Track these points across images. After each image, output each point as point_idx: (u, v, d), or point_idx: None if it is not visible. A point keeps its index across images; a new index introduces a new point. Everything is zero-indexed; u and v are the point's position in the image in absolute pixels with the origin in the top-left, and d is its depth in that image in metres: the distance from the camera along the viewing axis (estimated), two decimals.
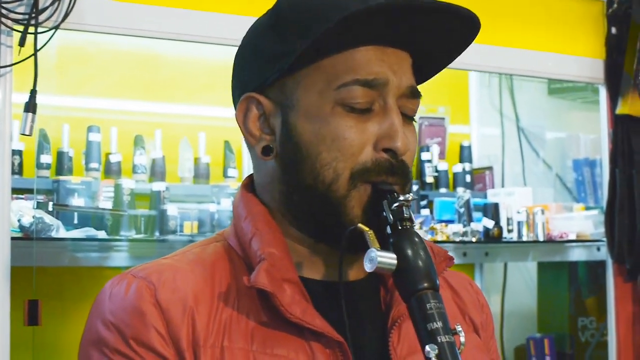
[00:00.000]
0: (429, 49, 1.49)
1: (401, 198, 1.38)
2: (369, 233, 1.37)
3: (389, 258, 1.34)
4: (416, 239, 1.36)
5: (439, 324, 1.29)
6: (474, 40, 1.51)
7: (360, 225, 1.38)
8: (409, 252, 1.34)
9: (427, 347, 1.28)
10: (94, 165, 3.81)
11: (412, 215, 1.40)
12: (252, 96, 1.48)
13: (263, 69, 1.47)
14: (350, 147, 1.41)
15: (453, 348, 1.28)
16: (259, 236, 1.44)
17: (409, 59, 1.48)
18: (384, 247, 1.37)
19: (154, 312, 1.38)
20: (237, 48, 1.55)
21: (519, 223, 4.24)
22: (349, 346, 1.39)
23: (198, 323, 1.38)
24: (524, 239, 4.25)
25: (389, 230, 1.38)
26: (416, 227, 1.43)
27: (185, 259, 1.48)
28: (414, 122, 1.50)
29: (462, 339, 1.33)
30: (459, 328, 1.33)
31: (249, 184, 1.55)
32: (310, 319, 1.38)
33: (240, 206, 1.51)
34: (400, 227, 1.37)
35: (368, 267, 1.34)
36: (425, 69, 1.53)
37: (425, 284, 1.32)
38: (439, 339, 1.28)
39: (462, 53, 1.53)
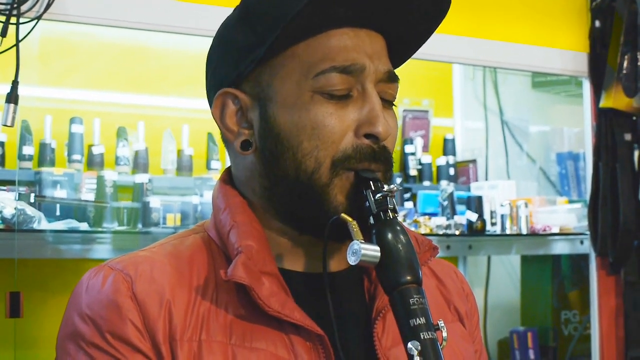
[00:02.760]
0: (401, 31, 1.48)
1: (385, 188, 1.37)
2: (353, 224, 1.36)
3: (372, 250, 1.33)
4: (400, 231, 1.35)
5: (422, 320, 1.29)
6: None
7: (343, 215, 1.37)
8: (393, 244, 1.34)
9: (410, 344, 1.28)
10: (76, 157, 3.80)
11: (396, 206, 1.39)
12: (228, 91, 1.47)
13: (237, 62, 1.46)
14: (331, 135, 1.40)
15: (435, 345, 1.28)
16: (237, 228, 1.43)
17: (383, 42, 1.48)
18: (366, 237, 1.36)
19: (130, 305, 1.36)
20: None
21: (502, 216, 4.24)
22: (329, 339, 1.38)
23: (175, 316, 1.37)
24: (508, 232, 4.25)
25: (372, 220, 1.37)
26: (399, 219, 1.41)
27: (163, 250, 1.47)
28: (394, 107, 1.50)
29: (445, 334, 1.32)
30: (441, 323, 1.32)
31: (227, 178, 1.54)
32: (289, 312, 1.37)
33: (219, 198, 1.50)
34: (383, 218, 1.36)
35: (352, 260, 1.33)
36: (398, 53, 1.52)
37: (408, 277, 1.32)
38: (422, 336, 1.28)
39: (435, 37, 1.53)
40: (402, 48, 1.52)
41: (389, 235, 1.34)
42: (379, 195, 1.37)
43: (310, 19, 1.39)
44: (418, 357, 1.26)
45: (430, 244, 1.54)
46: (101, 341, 1.36)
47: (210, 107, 1.51)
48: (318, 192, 1.40)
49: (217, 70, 1.51)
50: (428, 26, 1.50)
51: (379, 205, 1.37)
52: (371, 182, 1.39)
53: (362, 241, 1.34)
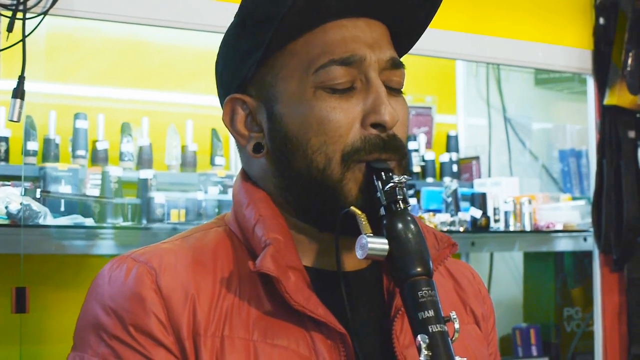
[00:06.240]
0: (399, 18, 1.47)
1: (395, 179, 1.35)
2: (361, 217, 1.35)
3: (380, 244, 1.32)
4: (410, 222, 1.34)
5: (431, 313, 1.27)
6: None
7: (352, 208, 1.36)
8: (403, 235, 1.32)
9: (419, 337, 1.26)
10: (80, 152, 3.80)
11: (407, 196, 1.37)
12: (235, 97, 1.47)
13: (240, 67, 1.45)
14: (337, 129, 1.39)
15: (445, 338, 1.27)
16: (263, 222, 1.42)
17: (384, 29, 1.46)
18: (378, 229, 1.34)
19: (154, 298, 1.35)
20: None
21: (506, 213, 4.24)
22: (351, 337, 1.37)
23: (199, 311, 1.35)
24: (511, 229, 4.25)
25: (382, 211, 1.36)
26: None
27: (186, 243, 1.46)
28: (402, 94, 1.47)
29: (457, 326, 1.30)
30: (453, 315, 1.30)
31: (247, 176, 1.52)
32: (313, 307, 1.36)
33: (241, 193, 1.49)
34: (393, 209, 1.35)
35: (359, 254, 1.32)
36: (401, 41, 1.50)
37: (419, 269, 1.30)
38: (430, 329, 1.26)
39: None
40: (404, 36, 1.50)
41: (399, 227, 1.33)
42: (388, 186, 1.35)
43: (303, 15, 1.38)
44: (426, 351, 1.25)
45: (450, 240, 1.52)
46: (124, 334, 1.34)
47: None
48: (332, 188, 1.39)
49: (224, 77, 1.51)
50: (426, 11, 1.48)
51: (388, 196, 1.35)
52: (382, 173, 1.37)
53: (370, 234, 1.33)
